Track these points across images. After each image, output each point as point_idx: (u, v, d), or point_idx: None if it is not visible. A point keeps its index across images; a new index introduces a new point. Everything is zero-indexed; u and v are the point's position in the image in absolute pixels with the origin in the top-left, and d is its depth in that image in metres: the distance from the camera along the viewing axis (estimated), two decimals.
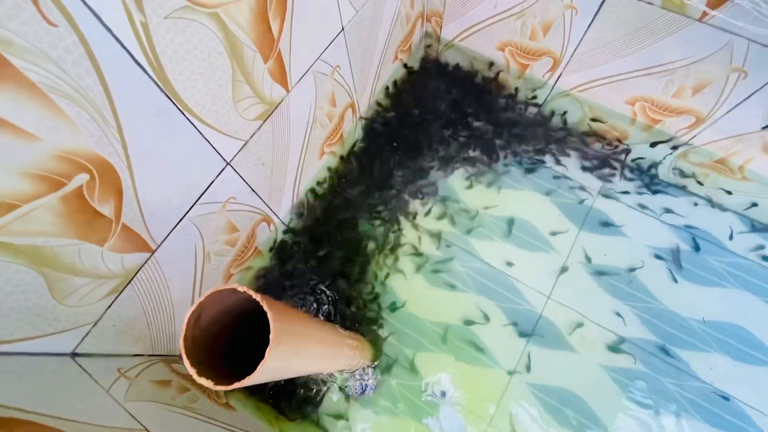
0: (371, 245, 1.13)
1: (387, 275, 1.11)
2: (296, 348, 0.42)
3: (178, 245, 0.74)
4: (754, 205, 1.10)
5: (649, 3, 0.86)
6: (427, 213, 1.17)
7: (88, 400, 0.60)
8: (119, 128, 0.53)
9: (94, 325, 0.65)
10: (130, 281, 0.68)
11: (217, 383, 0.38)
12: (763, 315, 1.03)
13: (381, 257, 1.13)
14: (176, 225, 0.71)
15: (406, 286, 1.10)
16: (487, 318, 1.06)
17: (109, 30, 0.46)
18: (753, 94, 0.90)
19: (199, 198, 0.73)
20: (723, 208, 1.12)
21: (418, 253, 1.13)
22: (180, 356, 0.91)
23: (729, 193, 1.12)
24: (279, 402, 0.99)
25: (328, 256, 1.11)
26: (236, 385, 0.38)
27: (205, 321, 0.40)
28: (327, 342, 0.60)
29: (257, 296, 0.36)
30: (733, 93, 0.92)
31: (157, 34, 0.51)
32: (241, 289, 0.37)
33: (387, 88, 1.27)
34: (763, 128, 0.86)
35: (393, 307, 1.08)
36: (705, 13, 0.81)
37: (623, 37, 0.96)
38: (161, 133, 0.59)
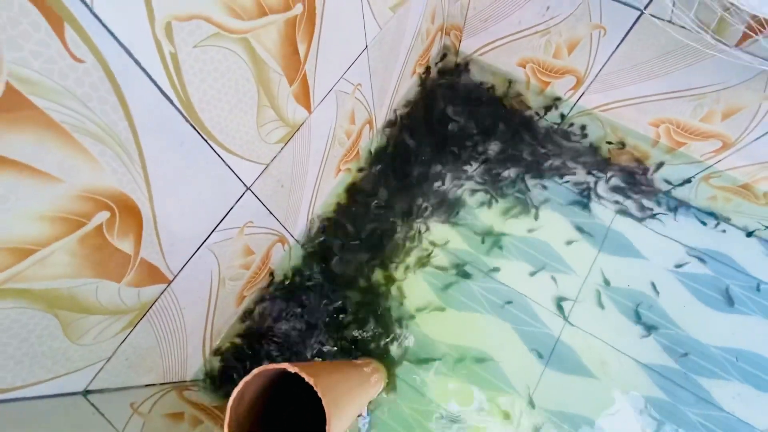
0: (384, 263, 1.10)
1: (400, 295, 1.08)
2: (344, 414, 0.39)
3: (195, 273, 0.71)
4: None
5: (683, 27, 0.84)
6: (442, 232, 1.14)
7: None
8: (143, 163, 0.49)
9: (108, 360, 0.62)
10: (145, 314, 0.64)
11: None
12: None
13: (394, 276, 1.10)
14: (194, 254, 0.68)
15: (419, 307, 1.07)
16: (502, 341, 1.03)
17: (138, 63, 0.42)
18: None
19: (217, 225, 0.70)
20: (747, 233, 1.10)
21: (432, 273, 1.10)
22: (190, 382, 0.88)
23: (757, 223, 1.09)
24: None
25: (340, 274, 1.07)
26: None
27: (246, 399, 0.37)
28: (358, 389, 0.57)
29: (310, 380, 0.33)
30: (765, 120, 0.90)
31: (186, 64, 0.48)
32: (292, 369, 0.34)
33: (406, 102, 1.24)
34: None
35: (405, 328, 1.05)
36: (742, 39, 0.79)
37: (653, 60, 0.93)
38: (184, 165, 0.56)
